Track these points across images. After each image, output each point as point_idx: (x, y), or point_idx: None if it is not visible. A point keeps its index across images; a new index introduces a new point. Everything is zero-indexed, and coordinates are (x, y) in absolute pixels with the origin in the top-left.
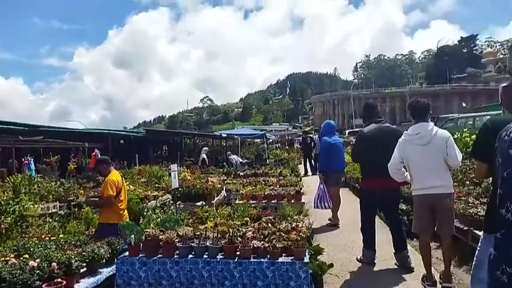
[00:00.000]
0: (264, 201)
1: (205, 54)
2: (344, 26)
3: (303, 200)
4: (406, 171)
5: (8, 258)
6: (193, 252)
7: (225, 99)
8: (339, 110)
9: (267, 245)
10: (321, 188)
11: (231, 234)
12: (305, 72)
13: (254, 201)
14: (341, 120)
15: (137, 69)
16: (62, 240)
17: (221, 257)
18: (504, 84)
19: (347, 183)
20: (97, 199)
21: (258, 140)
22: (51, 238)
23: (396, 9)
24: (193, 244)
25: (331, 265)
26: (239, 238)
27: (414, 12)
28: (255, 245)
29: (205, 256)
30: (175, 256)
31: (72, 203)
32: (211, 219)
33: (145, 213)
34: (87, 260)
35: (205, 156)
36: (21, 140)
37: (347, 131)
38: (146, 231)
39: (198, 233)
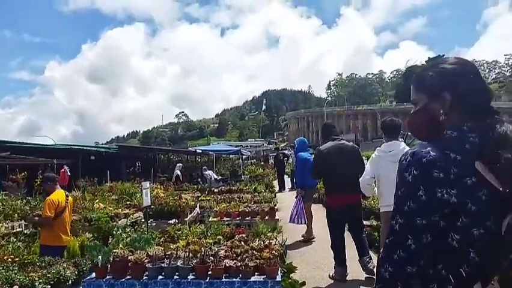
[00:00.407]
0: (238, 219)
1: (181, 70)
2: (317, 45)
3: (277, 217)
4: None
5: None
6: (163, 273)
7: (201, 115)
8: (313, 127)
9: (239, 264)
10: (299, 204)
11: (202, 253)
12: (280, 89)
13: (228, 219)
14: (315, 136)
15: (112, 84)
16: (26, 261)
17: (192, 277)
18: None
19: (320, 199)
20: (36, 217)
21: (233, 156)
22: (15, 259)
23: (368, 30)
24: (163, 264)
25: (303, 283)
26: (211, 257)
27: (385, 33)
28: (227, 264)
29: (175, 277)
30: (145, 277)
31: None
32: (184, 237)
33: (114, 232)
34: (52, 282)
35: (179, 172)
36: None
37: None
38: (115, 252)
39: (169, 253)
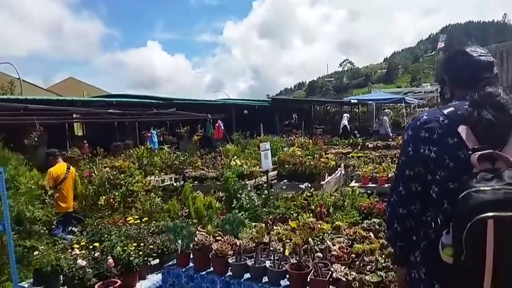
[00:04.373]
0: (386, 185)
1: (347, 13)
2: None
3: None
4: None
5: (77, 246)
6: (249, 272)
7: (368, 61)
8: (508, 65)
9: (354, 275)
10: None
11: (307, 248)
12: (464, 23)
13: (374, 185)
14: (510, 76)
15: (280, 37)
16: (143, 226)
17: (286, 283)
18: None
19: None
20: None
21: (400, 105)
22: (135, 222)
23: None
24: (249, 262)
25: None
26: (319, 254)
27: None
28: (334, 275)
29: (264, 279)
30: (228, 274)
31: (186, 176)
32: (304, 213)
33: (238, 195)
34: (154, 254)
35: (346, 122)
36: (145, 114)
37: None
38: (200, 234)
39: (266, 241)
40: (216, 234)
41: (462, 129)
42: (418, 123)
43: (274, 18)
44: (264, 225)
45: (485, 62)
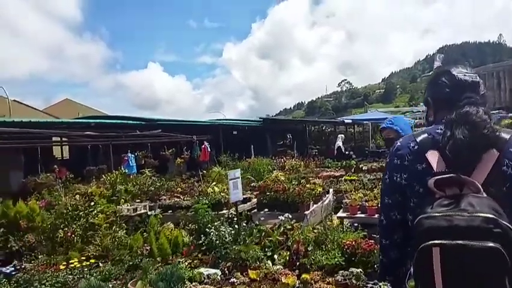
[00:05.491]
0: (376, 216)
1: (346, 35)
2: None
3: None
4: None
5: None
6: None
7: (366, 81)
8: (505, 84)
9: None
10: None
11: None
12: (461, 43)
13: (363, 215)
14: (508, 95)
15: (279, 58)
16: (86, 271)
17: None
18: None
19: None
20: None
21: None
22: (84, 263)
23: None
24: None
25: None
26: None
27: None
28: None
29: None
30: None
31: (160, 203)
32: (280, 251)
33: (207, 229)
34: None
35: (341, 144)
36: (124, 136)
37: None
38: None
39: None
40: None
41: (431, 154)
42: (393, 150)
43: (273, 39)
44: (220, 274)
45: (469, 82)
